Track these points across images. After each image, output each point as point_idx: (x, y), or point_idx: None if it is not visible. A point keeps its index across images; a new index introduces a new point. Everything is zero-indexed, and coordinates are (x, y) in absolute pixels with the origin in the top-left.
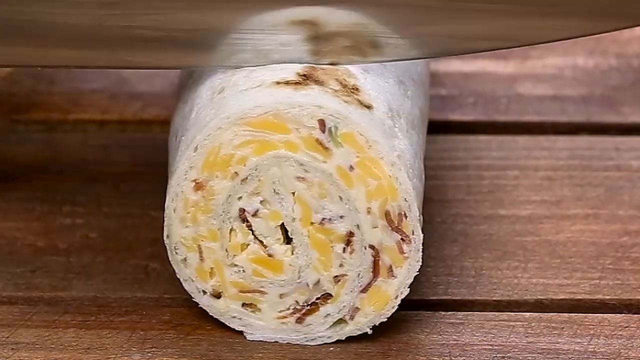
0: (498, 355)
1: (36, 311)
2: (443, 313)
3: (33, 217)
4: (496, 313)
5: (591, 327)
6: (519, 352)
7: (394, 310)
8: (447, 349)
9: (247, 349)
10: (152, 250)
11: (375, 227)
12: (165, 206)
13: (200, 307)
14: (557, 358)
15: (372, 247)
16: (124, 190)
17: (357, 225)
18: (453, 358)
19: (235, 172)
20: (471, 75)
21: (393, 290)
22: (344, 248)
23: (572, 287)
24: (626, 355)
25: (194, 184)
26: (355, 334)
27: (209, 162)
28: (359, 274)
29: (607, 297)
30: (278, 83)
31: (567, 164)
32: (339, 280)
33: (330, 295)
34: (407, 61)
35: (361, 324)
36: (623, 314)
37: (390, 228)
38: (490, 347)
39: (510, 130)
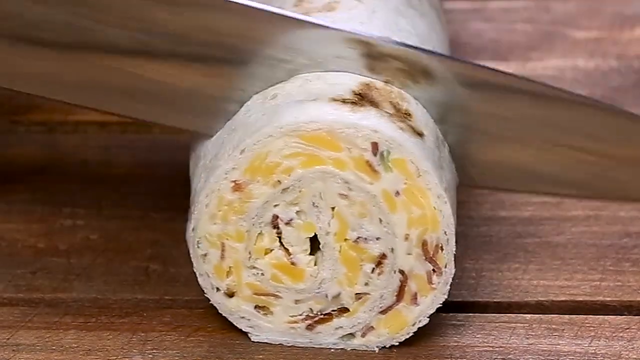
0: (499, 357)
1: (37, 313)
2: (444, 315)
3: (33, 219)
4: (497, 315)
5: (592, 328)
6: (519, 354)
7: (408, 337)
8: (447, 351)
9: (249, 351)
10: (152, 251)
11: (409, 254)
12: (197, 200)
13: (202, 309)
14: (558, 359)
15: (401, 272)
16: (124, 192)
17: (392, 249)
18: (454, 359)
19: (278, 181)
20: None
21: (413, 317)
22: (373, 269)
23: (573, 288)
24: (627, 356)
25: (233, 184)
26: (361, 349)
27: (253, 166)
28: (382, 296)
29: (608, 299)
30: (335, 100)
31: None
32: (360, 298)
33: (347, 309)
34: None
35: (371, 342)
36: (624, 316)
37: (424, 257)
38: (491, 348)
39: None
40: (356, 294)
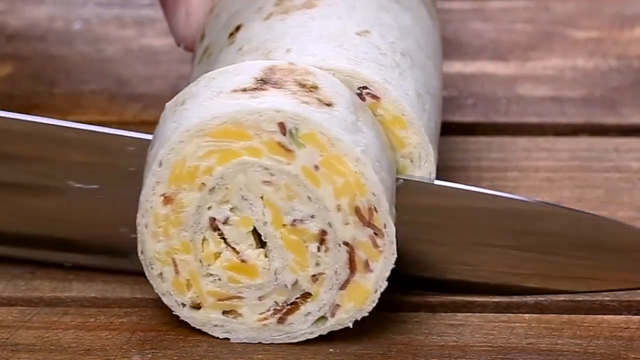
0: (498, 357)
1: (36, 312)
2: (443, 314)
3: None
4: (496, 314)
5: (591, 328)
6: (518, 354)
7: (374, 304)
8: (446, 351)
9: (247, 350)
10: None
11: (347, 224)
12: (137, 222)
13: None
14: (557, 359)
15: (346, 243)
16: None
17: (329, 224)
18: (453, 359)
19: (203, 183)
20: (471, 77)
21: (371, 284)
22: (319, 247)
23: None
24: (626, 356)
25: (162, 198)
26: (337, 329)
27: (175, 175)
28: (336, 272)
29: (607, 299)
30: (235, 90)
31: (566, 165)
32: (317, 279)
33: (310, 294)
34: (425, 75)
35: (342, 320)
36: (623, 316)
37: (362, 223)
38: (490, 348)
39: (510, 132)
40: (312, 276)
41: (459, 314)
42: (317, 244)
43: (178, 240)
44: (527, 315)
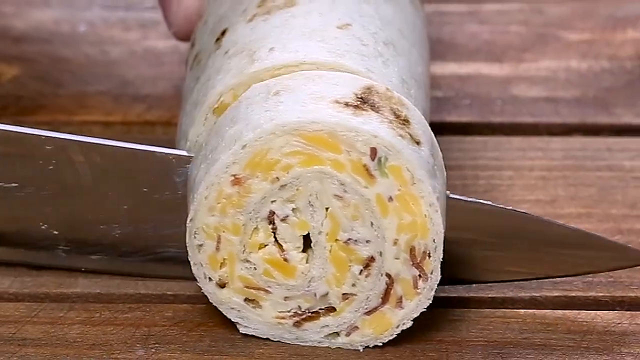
0: (493, 351)
1: (42, 308)
2: (440, 310)
3: None
4: (491, 310)
5: (584, 323)
6: (513, 348)
7: (391, 338)
8: (444, 345)
9: (249, 345)
10: None
11: (397, 259)
12: (197, 191)
13: (203, 304)
14: (551, 354)
15: (388, 275)
16: None
17: (380, 253)
18: (450, 354)
19: (277, 177)
20: (466, 78)
21: (397, 320)
22: (361, 270)
23: (566, 284)
24: (619, 351)
25: (232, 178)
26: (346, 348)
27: (253, 162)
28: (368, 297)
29: (600, 294)
30: (338, 102)
31: (560, 164)
32: (347, 298)
33: (334, 309)
34: (409, 62)
35: (355, 341)
36: (615, 311)
37: (411, 263)
38: (485, 343)
39: (505, 132)
40: (343, 294)
41: (456, 309)
42: (362, 267)
43: (231, 220)
44: (522, 311)
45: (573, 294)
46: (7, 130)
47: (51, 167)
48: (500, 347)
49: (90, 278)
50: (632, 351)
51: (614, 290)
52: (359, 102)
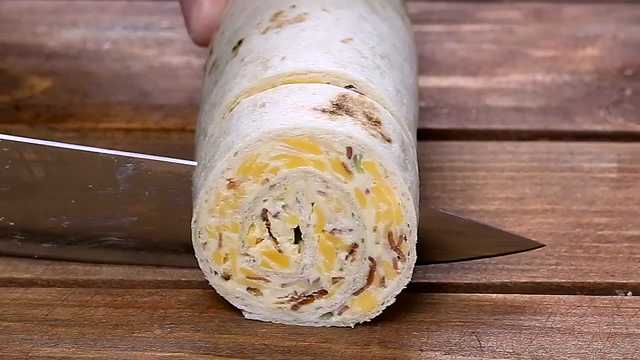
0: (468, 331)
1: (71, 293)
2: (421, 294)
3: None
4: (467, 294)
5: (549, 306)
6: (486, 328)
7: (378, 314)
8: (425, 325)
9: (253, 325)
10: None
11: (377, 244)
12: (198, 196)
13: (213, 290)
14: (520, 333)
15: (371, 259)
16: None
17: (362, 239)
18: (430, 333)
19: (266, 179)
20: (445, 90)
21: (381, 297)
22: (347, 256)
23: (533, 272)
24: (579, 330)
25: (228, 182)
26: (339, 326)
27: (245, 166)
28: (354, 279)
29: (563, 281)
30: (315, 109)
31: (527, 165)
32: (337, 282)
33: (326, 292)
34: (402, 73)
35: (346, 319)
36: (576, 295)
37: (390, 246)
38: (462, 323)
39: (479, 137)
40: (333, 278)
41: (435, 294)
42: (347, 253)
43: (230, 220)
44: (494, 295)
45: (539, 281)
46: None
47: (7, 167)
48: (475, 327)
49: (113, 267)
50: (591, 330)
51: (575, 277)
52: (334, 108)
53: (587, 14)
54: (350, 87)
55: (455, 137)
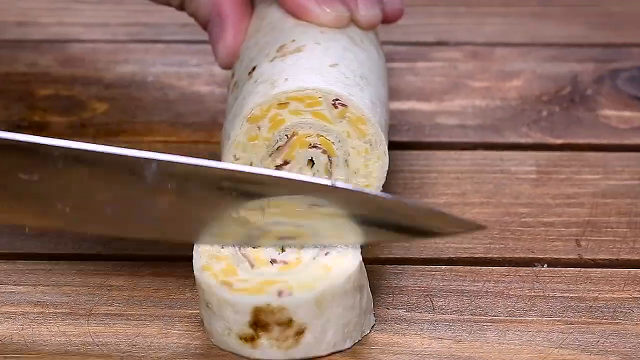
0: (423, 294)
1: (124, 264)
2: (388, 266)
3: None
4: (423, 266)
5: (484, 275)
6: (437, 292)
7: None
8: (390, 290)
9: None
10: None
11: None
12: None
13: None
14: (462, 295)
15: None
16: None
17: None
18: (394, 296)
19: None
20: (405, 111)
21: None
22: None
23: (472, 249)
24: (507, 293)
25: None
26: None
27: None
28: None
29: (495, 256)
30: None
31: (469, 169)
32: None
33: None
34: (377, 90)
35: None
36: (505, 267)
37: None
38: (419, 288)
39: (432, 147)
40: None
41: (399, 265)
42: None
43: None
44: (443, 267)
45: (477, 256)
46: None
47: None
48: (428, 291)
49: (156, 244)
50: (516, 294)
51: (504, 253)
52: None
53: (513, 54)
54: (337, 100)
55: (413, 147)
